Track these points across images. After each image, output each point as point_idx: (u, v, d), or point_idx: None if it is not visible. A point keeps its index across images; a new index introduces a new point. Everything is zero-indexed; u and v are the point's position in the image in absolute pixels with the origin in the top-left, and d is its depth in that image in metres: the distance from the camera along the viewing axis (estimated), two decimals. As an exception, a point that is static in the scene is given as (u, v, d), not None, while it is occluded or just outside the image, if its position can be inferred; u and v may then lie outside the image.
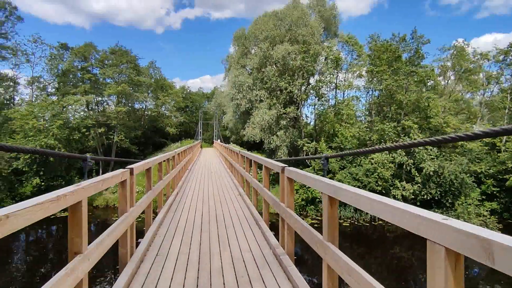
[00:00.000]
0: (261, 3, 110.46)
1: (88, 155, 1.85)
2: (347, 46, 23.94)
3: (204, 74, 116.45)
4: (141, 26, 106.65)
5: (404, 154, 17.05)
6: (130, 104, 27.48)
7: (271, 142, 20.81)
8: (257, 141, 21.81)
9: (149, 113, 31.06)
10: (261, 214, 4.45)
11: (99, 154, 23.82)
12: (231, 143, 26.33)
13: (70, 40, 21.92)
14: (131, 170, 2.77)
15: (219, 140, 31.33)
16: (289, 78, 21.32)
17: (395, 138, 17.55)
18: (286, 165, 3.03)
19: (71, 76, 24.88)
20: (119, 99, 25.83)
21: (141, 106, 30.80)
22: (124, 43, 25.47)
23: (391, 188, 16.79)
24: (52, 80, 25.57)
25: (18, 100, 24.15)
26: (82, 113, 24.63)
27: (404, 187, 16.76)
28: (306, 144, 19.67)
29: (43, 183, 19.72)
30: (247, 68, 25.12)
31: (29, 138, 18.96)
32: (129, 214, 2.60)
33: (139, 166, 3.10)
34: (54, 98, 22.88)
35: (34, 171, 19.51)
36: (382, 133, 17.66)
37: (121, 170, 2.55)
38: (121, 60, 24.73)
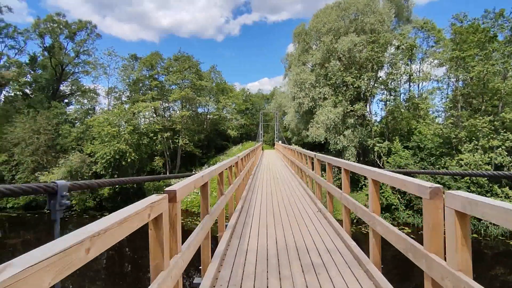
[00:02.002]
0: (319, 1, 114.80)
1: (62, 181, 1.26)
2: (423, 33, 23.58)
3: (263, 77, 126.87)
4: (203, 35, 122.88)
5: (506, 153, 16.20)
6: (193, 109, 31.75)
7: (337, 142, 21.74)
8: (322, 142, 23.10)
9: (211, 116, 34.21)
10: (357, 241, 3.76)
11: (166, 157, 28.17)
12: (293, 144, 28.22)
13: (143, 54, 27.38)
14: (172, 195, 2.00)
15: (280, 142, 33.41)
16: (356, 72, 22.08)
17: (492, 135, 16.81)
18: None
19: (140, 84, 30.11)
20: (183, 104, 30.15)
21: (203, 110, 34.04)
22: (188, 52, 30.36)
23: (487, 195, 16.00)
24: (124, 90, 31.58)
25: (98, 110, 30.72)
26: (150, 118, 30.02)
27: (508, 195, 15.87)
28: (377, 144, 20.08)
29: (117, 186, 24.69)
30: (309, 65, 26.62)
31: (105, 143, 24.06)
32: (168, 274, 1.81)
33: (187, 186, 2.36)
34: (127, 106, 28.43)
35: (110, 174, 24.55)
36: (473, 129, 17.07)
37: (150, 200, 1.66)
38: (184, 66, 28.95)
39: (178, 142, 27.82)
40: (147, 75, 29.41)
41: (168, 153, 28.19)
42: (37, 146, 23.28)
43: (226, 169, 5.15)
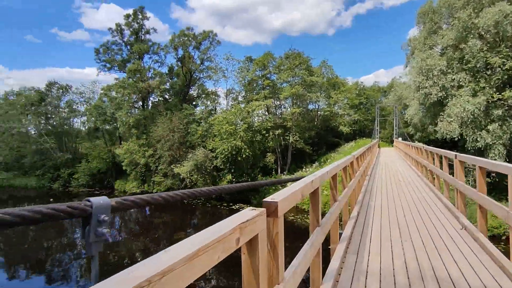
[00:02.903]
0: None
1: (102, 198, 0.91)
2: None
3: (378, 69, 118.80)
4: (313, 31, 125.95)
5: None
6: (303, 105, 32.69)
7: (477, 139, 18.49)
8: (455, 139, 20.02)
9: (322, 112, 34.26)
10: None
11: (277, 154, 29.97)
12: (415, 142, 25.41)
13: (257, 55, 30.23)
14: (272, 209, 1.62)
15: (400, 139, 30.56)
16: (506, 50, 18.24)
17: None
18: None
19: (254, 84, 33.16)
20: (293, 101, 31.39)
21: (314, 107, 34.38)
22: (298, 49, 31.39)
23: None
24: (240, 90, 35.28)
25: (219, 110, 35.36)
26: (263, 116, 32.57)
27: None
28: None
29: (234, 179, 27.69)
30: (437, 49, 23.37)
31: (224, 140, 27.35)
32: None
33: (292, 195, 1.92)
34: (243, 105, 31.62)
35: (228, 169, 27.83)
36: None
37: (239, 219, 1.28)
38: (295, 62, 30.16)
39: (289, 139, 29.08)
40: (260, 75, 31.82)
41: (279, 150, 29.84)
42: (173, 143, 28.46)
43: (340, 170, 4.53)
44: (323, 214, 2.98)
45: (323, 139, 33.64)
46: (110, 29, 35.33)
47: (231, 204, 23.63)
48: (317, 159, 30.73)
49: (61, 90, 39.25)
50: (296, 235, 15.13)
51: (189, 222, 21.85)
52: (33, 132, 38.59)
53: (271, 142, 29.40)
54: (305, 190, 2.33)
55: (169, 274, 0.79)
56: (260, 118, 31.75)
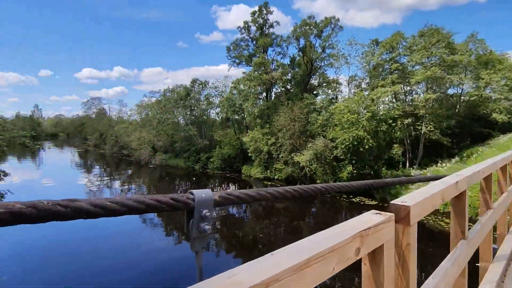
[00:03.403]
0: None
1: (205, 191, 0.88)
2: None
3: None
4: (456, 1, 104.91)
5: None
6: (441, 90, 28.10)
7: None
8: None
9: (467, 97, 28.90)
10: None
11: (406, 145, 27.07)
12: None
13: (384, 37, 27.44)
14: (403, 214, 1.33)
15: None
16: None
17: None
18: None
19: (380, 69, 30.65)
20: (428, 86, 27.47)
21: (455, 91, 29.53)
22: (436, 25, 26.51)
23: None
24: (364, 76, 33.29)
25: (340, 98, 34.59)
26: (389, 104, 29.92)
27: None
28: None
29: (354, 171, 26.64)
30: None
31: (345, 130, 26.46)
32: None
33: (429, 198, 1.57)
34: (366, 93, 29.82)
35: (348, 160, 26.94)
36: None
37: (360, 225, 1.09)
38: (431, 40, 26.13)
39: (421, 129, 25.77)
40: (387, 59, 29.10)
41: (408, 141, 26.88)
42: (293, 132, 29.55)
43: (497, 170, 3.62)
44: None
45: (466, 129, 28.23)
46: (239, 27, 38.92)
47: (351, 196, 23.04)
48: (457, 153, 26.18)
49: (201, 86, 46.13)
50: (426, 241, 13.66)
51: (308, 211, 22.57)
52: (181, 122, 46.91)
53: (398, 133, 26.78)
54: (447, 193, 1.88)
55: (273, 285, 0.70)
56: (386, 106, 29.23)
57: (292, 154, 28.54)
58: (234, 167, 37.17)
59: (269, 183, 30.34)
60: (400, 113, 26.09)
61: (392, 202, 1.38)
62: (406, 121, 25.70)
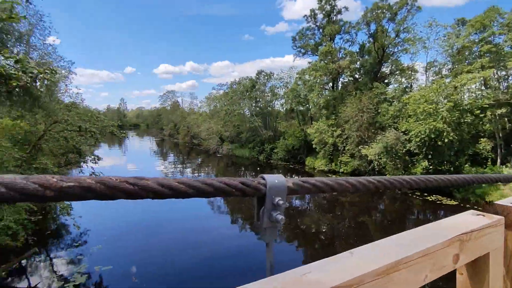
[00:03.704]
0: None
1: (277, 176, 0.77)
2: None
3: None
4: None
5: None
6: (547, 74, 23.84)
7: None
8: None
9: None
10: None
11: (497, 140, 23.64)
12: None
13: (471, 16, 23.54)
14: None
15: None
16: None
17: None
18: None
19: (466, 53, 26.94)
20: (529, 70, 23.47)
21: None
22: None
23: None
24: (445, 62, 29.64)
25: (415, 87, 31.43)
26: (476, 92, 26.12)
27: None
28: None
29: (430, 167, 24.09)
30: None
31: (420, 122, 23.95)
32: None
33: None
34: (448, 80, 26.50)
35: (423, 154, 24.45)
36: None
37: (458, 227, 0.92)
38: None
39: (519, 120, 22.12)
40: (476, 40, 25.40)
41: (500, 135, 23.29)
42: (361, 123, 27.99)
43: None
44: None
45: None
46: (305, 16, 37.96)
47: (425, 194, 21.06)
48: None
49: (266, 77, 46.53)
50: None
51: (376, 206, 21.32)
52: (247, 113, 48.14)
53: (487, 125, 23.40)
54: None
55: None
56: (473, 94, 25.66)
57: (359, 147, 27.15)
58: (297, 158, 36.94)
59: (333, 176, 29.44)
60: (491, 102, 22.66)
61: (498, 202, 1.14)
62: (498, 112, 22.29)
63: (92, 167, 17.55)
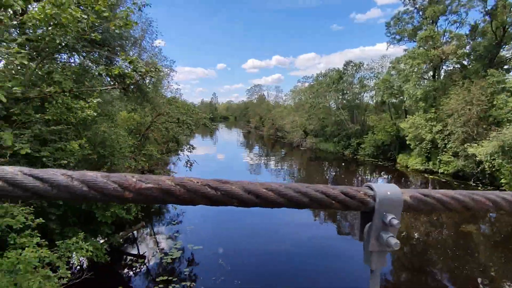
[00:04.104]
0: None
1: (389, 186, 0.62)
2: None
3: None
4: None
5: None
6: None
7: None
8: None
9: None
10: None
11: None
12: None
13: None
14: None
15: None
16: None
17: None
18: None
19: None
20: None
21: None
22: None
23: None
24: None
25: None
26: None
27: None
28: None
29: None
30: None
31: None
32: None
33: None
34: None
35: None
36: None
37: None
38: None
39: None
40: None
41: None
42: (469, 117, 24.04)
43: None
44: None
45: None
46: (402, -2, 34.21)
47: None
48: None
49: (354, 68, 43.89)
50: None
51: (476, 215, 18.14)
52: (333, 106, 46.47)
53: None
54: None
55: None
56: None
57: (465, 145, 23.44)
58: (388, 155, 34.06)
59: (430, 176, 26.19)
60: None
61: None
62: None
63: (187, 155, 19.48)
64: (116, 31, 6.08)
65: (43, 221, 5.90)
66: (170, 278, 9.90)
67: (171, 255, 11.45)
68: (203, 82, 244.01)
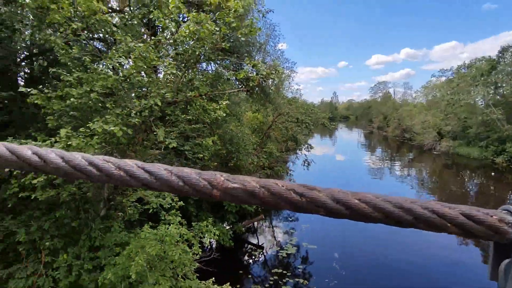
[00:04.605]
0: None
1: None
2: None
3: None
4: None
5: None
6: None
7: None
8: None
9: None
10: None
11: None
12: None
13: None
14: None
15: None
16: None
17: None
18: None
19: None
20: None
21: None
22: None
23: None
24: None
25: None
26: None
27: None
28: None
29: None
30: None
31: None
32: None
33: None
34: None
35: None
36: None
37: None
38: None
39: None
40: None
41: None
42: None
43: None
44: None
45: None
46: None
47: None
48: None
49: (515, 54, 34.93)
50: None
51: None
52: (480, 103, 38.33)
53: None
54: None
55: None
56: None
57: None
58: None
59: None
60: None
61: None
62: None
63: (305, 154, 19.70)
64: (242, 38, 6.69)
65: (183, 204, 7.05)
66: (284, 272, 10.25)
67: (286, 249, 11.84)
68: (323, 81, 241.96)
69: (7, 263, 6.37)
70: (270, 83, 16.64)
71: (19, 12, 7.14)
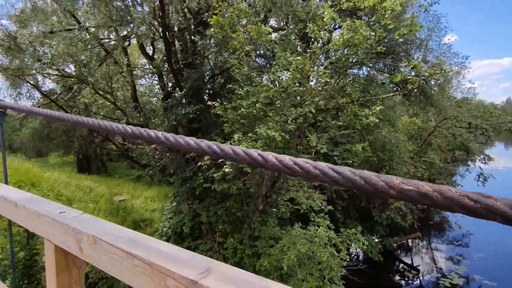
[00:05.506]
0: None
1: None
2: None
3: None
4: None
5: None
6: None
7: None
8: None
9: None
10: None
11: None
12: None
13: None
14: None
15: None
16: None
17: None
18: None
19: None
20: None
21: None
22: None
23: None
24: None
25: None
26: None
27: None
28: None
29: None
30: None
31: None
32: None
33: None
34: None
35: None
36: None
37: None
38: None
39: None
40: None
41: None
42: None
43: None
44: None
45: None
46: None
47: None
48: None
49: None
50: None
51: None
52: None
53: None
54: None
55: None
56: None
57: None
58: None
59: None
60: None
61: None
62: None
63: (480, 166, 15.98)
64: (400, 40, 6.17)
65: (332, 208, 7.14)
66: (447, 304, 8.69)
67: (450, 279, 9.98)
68: (509, 75, 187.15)
69: (194, 237, 8.24)
70: (433, 83, 14.41)
71: (207, 42, 9.14)
